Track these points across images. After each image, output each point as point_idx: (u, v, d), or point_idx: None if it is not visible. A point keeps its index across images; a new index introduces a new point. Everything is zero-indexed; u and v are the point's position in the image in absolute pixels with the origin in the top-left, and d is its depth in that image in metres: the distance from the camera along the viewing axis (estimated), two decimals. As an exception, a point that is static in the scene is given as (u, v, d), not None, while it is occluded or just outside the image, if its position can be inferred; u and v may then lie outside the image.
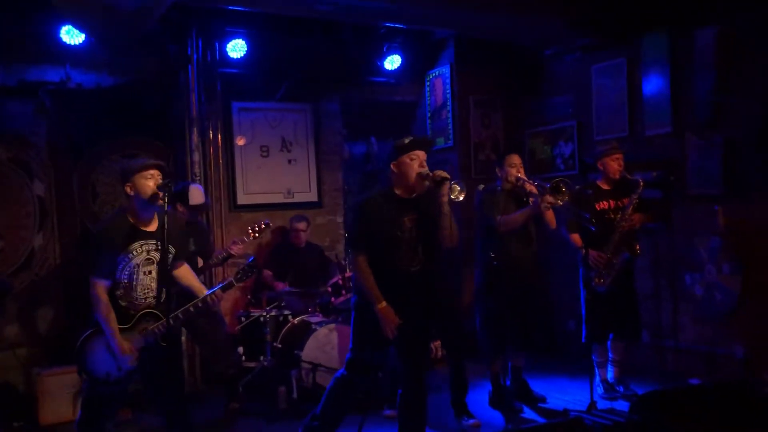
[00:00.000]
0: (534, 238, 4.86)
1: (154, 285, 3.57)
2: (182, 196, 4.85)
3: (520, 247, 4.76)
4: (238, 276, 3.81)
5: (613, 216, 4.89)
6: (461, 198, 4.08)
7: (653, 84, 5.69)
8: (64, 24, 5.20)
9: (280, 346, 5.27)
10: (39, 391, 4.99)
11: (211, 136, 6.05)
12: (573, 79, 6.52)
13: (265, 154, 6.54)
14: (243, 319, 5.55)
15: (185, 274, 3.82)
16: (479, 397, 5.12)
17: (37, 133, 5.60)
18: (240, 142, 6.39)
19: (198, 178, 5.87)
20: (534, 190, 4.65)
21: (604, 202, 4.95)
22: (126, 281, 3.51)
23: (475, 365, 5.58)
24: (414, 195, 3.78)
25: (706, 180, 5.34)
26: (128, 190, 3.55)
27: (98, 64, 5.62)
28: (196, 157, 5.88)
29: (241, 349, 5.41)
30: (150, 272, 3.56)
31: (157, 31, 5.56)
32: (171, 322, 3.52)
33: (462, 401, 4.76)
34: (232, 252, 5.06)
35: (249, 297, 5.99)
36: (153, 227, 3.59)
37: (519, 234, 4.75)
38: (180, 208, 4.84)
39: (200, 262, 5.06)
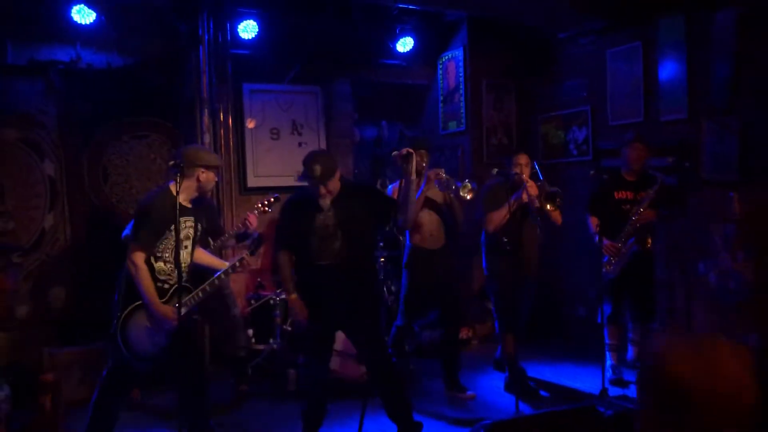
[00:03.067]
0: (527, 239, 4.90)
1: (189, 260, 3.73)
2: None
3: (514, 245, 4.81)
4: (251, 249, 3.99)
5: (629, 207, 4.93)
6: (469, 197, 4.48)
7: (669, 68, 5.60)
8: (75, 3, 5.17)
9: (289, 328, 5.26)
10: (50, 370, 5.00)
11: (221, 118, 6.00)
12: (587, 63, 6.43)
13: (275, 136, 6.50)
14: (253, 301, 5.55)
15: (200, 254, 3.95)
16: (495, 383, 5.14)
17: (47, 113, 5.58)
18: (250, 125, 6.35)
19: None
20: (532, 192, 4.75)
21: (623, 192, 4.98)
22: (168, 255, 3.65)
23: (491, 351, 5.59)
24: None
25: (721, 166, 5.27)
26: (201, 176, 3.71)
27: (108, 44, 5.59)
28: (207, 138, 5.85)
29: (250, 332, 5.40)
30: (186, 247, 3.71)
31: (167, 11, 5.54)
32: (200, 294, 3.72)
33: (455, 377, 4.93)
34: (249, 225, 4.91)
35: (259, 279, 5.97)
36: (190, 204, 3.76)
37: (512, 234, 4.81)
38: None
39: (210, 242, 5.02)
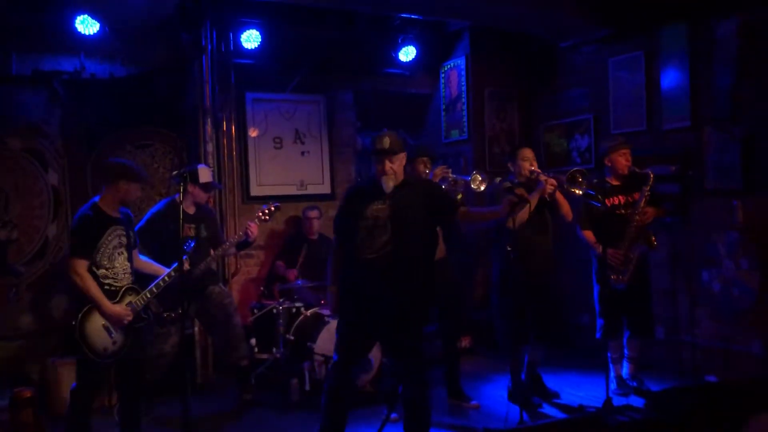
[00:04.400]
0: (549, 228, 4.81)
1: (127, 264, 4.05)
2: (192, 176, 4.82)
3: (534, 237, 4.70)
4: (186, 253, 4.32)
5: (624, 211, 4.83)
6: (482, 188, 4.37)
7: (672, 77, 5.61)
8: (79, 14, 5.20)
9: (292, 338, 5.26)
10: (53, 380, 5.00)
11: (224, 127, 6.02)
12: (590, 72, 6.44)
13: (278, 145, 6.52)
14: (256, 310, 5.55)
15: (142, 263, 4.33)
16: (496, 393, 5.11)
17: (50, 123, 5.59)
18: (253, 133, 6.36)
19: (212, 169, 5.86)
20: (552, 181, 4.59)
21: (615, 198, 4.88)
22: (106, 262, 3.95)
23: (494, 360, 5.58)
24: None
25: (724, 174, 5.27)
26: (123, 187, 4.00)
27: (112, 54, 5.62)
28: (210, 147, 5.86)
29: (253, 341, 5.39)
30: (122, 253, 4.02)
31: (170, 21, 5.56)
32: (148, 294, 4.09)
33: (457, 386, 4.90)
34: (250, 234, 4.88)
35: (262, 289, 5.98)
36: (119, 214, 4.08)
37: (534, 225, 4.68)
38: (191, 188, 4.83)
39: (211, 252, 5.02)
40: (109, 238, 3.95)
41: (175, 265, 4.16)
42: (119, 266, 4.00)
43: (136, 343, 4.06)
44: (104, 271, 3.94)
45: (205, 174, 4.95)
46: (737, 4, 5.09)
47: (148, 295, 4.10)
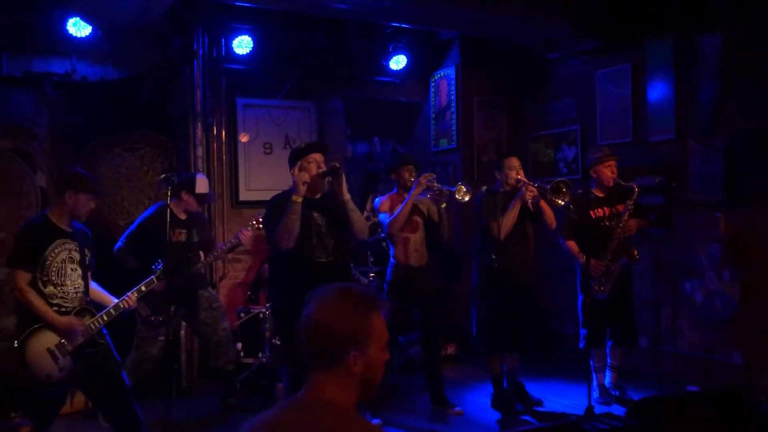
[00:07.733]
0: (531, 241, 4.87)
1: (82, 282, 3.72)
2: (188, 184, 4.84)
3: (516, 249, 4.76)
4: (158, 275, 4.01)
5: (608, 223, 4.88)
6: (467, 198, 4.47)
7: (657, 90, 5.69)
8: (71, 16, 5.22)
9: (279, 342, 5.27)
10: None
11: (215, 131, 6.05)
12: (577, 84, 6.52)
13: (268, 151, 6.54)
14: (242, 315, 5.55)
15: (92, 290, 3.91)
16: (480, 399, 5.14)
17: (40, 125, 5.59)
18: (243, 139, 6.38)
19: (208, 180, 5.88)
20: (534, 191, 4.66)
21: (599, 210, 4.93)
22: (55, 278, 3.63)
23: (479, 367, 5.61)
24: (318, 196, 4.09)
25: (707, 186, 5.34)
26: (69, 199, 3.68)
27: (103, 57, 5.64)
28: (200, 152, 5.88)
29: (239, 345, 5.40)
30: (75, 270, 3.70)
31: (162, 25, 5.58)
32: (105, 317, 3.73)
33: (441, 393, 4.89)
34: (242, 239, 4.91)
35: (249, 293, 5.99)
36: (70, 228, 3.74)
37: (516, 236, 4.75)
38: (185, 197, 4.84)
39: (202, 256, 5.04)
40: (56, 251, 3.63)
41: (128, 294, 3.89)
42: (71, 284, 3.66)
43: (90, 368, 3.68)
44: (52, 288, 3.60)
45: (202, 185, 4.94)
46: (721, 20, 5.18)
47: (105, 318, 3.74)
